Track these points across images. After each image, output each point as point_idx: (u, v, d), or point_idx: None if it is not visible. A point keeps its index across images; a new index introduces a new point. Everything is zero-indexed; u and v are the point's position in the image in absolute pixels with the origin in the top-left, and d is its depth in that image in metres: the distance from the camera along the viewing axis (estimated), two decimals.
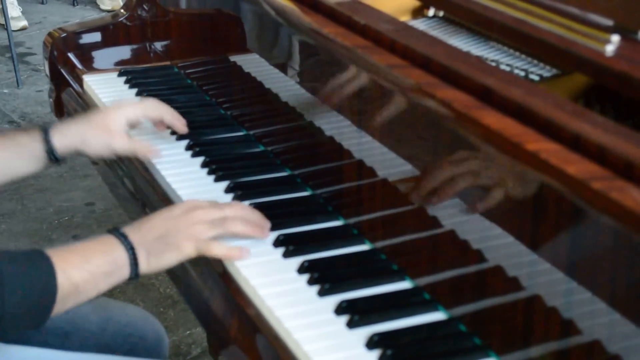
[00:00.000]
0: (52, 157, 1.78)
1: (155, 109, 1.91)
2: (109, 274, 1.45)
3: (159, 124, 1.92)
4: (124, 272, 1.47)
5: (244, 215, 1.59)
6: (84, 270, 1.41)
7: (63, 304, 1.39)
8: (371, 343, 1.32)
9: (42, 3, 6.75)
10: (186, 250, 1.51)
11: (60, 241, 3.62)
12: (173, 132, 2.04)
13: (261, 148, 1.96)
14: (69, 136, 1.80)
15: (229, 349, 1.48)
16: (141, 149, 1.83)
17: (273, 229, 1.61)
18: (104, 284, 1.45)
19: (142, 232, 1.50)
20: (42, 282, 1.37)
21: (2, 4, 5.83)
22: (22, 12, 6.21)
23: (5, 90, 5.11)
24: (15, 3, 6.19)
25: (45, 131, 1.77)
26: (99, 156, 1.88)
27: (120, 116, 1.83)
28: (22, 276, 1.36)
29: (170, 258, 1.51)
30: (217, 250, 1.52)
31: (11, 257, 1.39)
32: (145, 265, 1.49)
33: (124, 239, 1.47)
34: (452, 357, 1.31)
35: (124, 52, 2.50)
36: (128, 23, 2.51)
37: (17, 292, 1.34)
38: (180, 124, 1.90)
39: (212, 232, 1.53)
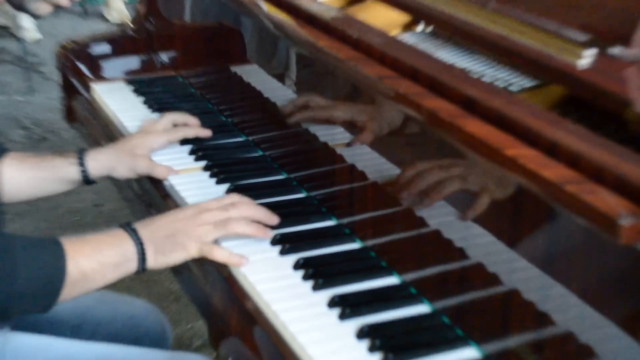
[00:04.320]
0: (86, 180, 1.81)
1: (177, 132, 1.95)
2: (117, 265, 1.45)
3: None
4: (132, 265, 1.47)
5: (248, 215, 1.58)
6: (94, 260, 1.42)
7: (71, 290, 1.39)
8: (361, 333, 1.33)
9: (54, 16, 6.73)
10: (191, 251, 1.51)
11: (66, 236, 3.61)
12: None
13: (259, 153, 1.97)
14: (101, 161, 1.83)
15: (229, 340, 1.48)
16: (161, 172, 1.84)
17: (270, 228, 1.62)
18: (112, 275, 1.45)
19: (151, 230, 1.50)
20: (52, 267, 1.37)
21: (15, 17, 5.83)
22: (35, 24, 6.20)
23: (20, 98, 5.09)
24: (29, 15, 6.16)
25: (80, 156, 1.80)
26: (125, 179, 1.89)
27: (146, 144, 1.88)
28: (34, 258, 1.37)
29: (176, 257, 1.51)
30: (218, 255, 1.52)
31: (26, 241, 1.40)
32: (153, 261, 1.49)
33: (134, 234, 1.48)
34: (435, 347, 1.31)
35: (131, 62, 2.49)
36: (136, 35, 2.51)
37: (28, 273, 1.34)
38: (204, 132, 1.94)
39: (215, 234, 1.53)
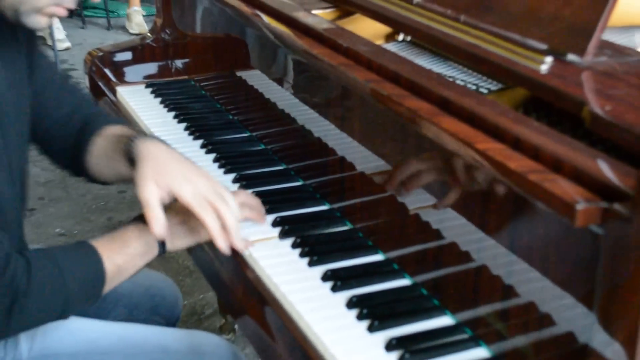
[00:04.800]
0: None
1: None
2: (143, 254, 1.45)
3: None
4: (155, 251, 1.47)
5: (245, 202, 1.57)
6: (124, 254, 1.42)
7: (110, 283, 1.40)
8: (351, 303, 1.33)
9: (82, 28, 6.71)
10: (202, 235, 1.50)
11: (97, 222, 3.62)
12: (190, 133, 2.04)
13: (262, 146, 1.96)
14: None
15: (235, 308, 1.48)
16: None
17: (271, 212, 1.61)
18: (140, 262, 1.45)
19: (166, 218, 1.46)
20: (93, 270, 1.37)
21: (49, 28, 5.81)
22: (66, 35, 6.18)
23: None
24: (61, 27, 6.16)
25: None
26: None
27: None
28: (77, 267, 1.36)
29: (190, 240, 1.51)
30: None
31: (66, 252, 1.38)
32: (170, 245, 1.49)
33: None
34: (415, 315, 1.31)
35: (150, 68, 2.49)
36: (154, 44, 2.50)
37: (75, 280, 1.34)
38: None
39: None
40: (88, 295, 1.38)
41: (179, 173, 1.42)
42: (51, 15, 1.37)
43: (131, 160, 1.45)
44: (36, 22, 1.36)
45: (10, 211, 1.44)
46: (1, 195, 1.39)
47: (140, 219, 1.47)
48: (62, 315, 1.36)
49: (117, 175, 1.59)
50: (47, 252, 1.37)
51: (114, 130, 1.61)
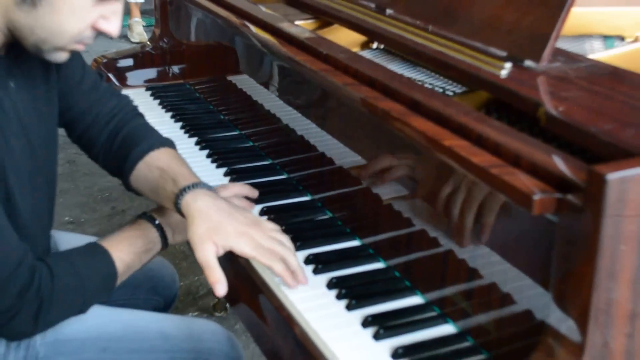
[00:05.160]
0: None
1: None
2: (148, 250, 1.44)
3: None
4: (158, 246, 1.46)
5: (238, 192, 1.57)
6: (132, 253, 1.41)
7: (121, 279, 1.40)
8: (331, 284, 1.32)
9: None
10: None
11: (102, 211, 3.60)
12: (186, 131, 2.03)
13: (250, 143, 1.95)
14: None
15: (229, 293, 1.48)
16: None
17: (258, 202, 1.60)
18: (146, 258, 1.45)
19: (167, 215, 1.48)
20: (106, 271, 1.37)
21: None
22: None
23: None
24: None
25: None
26: None
27: None
28: (93, 270, 1.36)
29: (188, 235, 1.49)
30: None
31: (81, 255, 1.38)
32: (172, 239, 1.48)
33: (154, 221, 1.46)
34: (388, 295, 1.30)
35: (149, 73, 2.47)
36: (153, 52, 2.49)
37: (92, 283, 1.35)
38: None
39: None
40: (102, 292, 1.39)
41: (232, 229, 1.32)
42: (71, 51, 1.32)
43: (179, 211, 1.39)
44: (58, 57, 1.31)
45: (35, 224, 1.42)
46: (23, 208, 1.36)
47: (144, 216, 1.48)
48: (81, 312, 1.37)
49: (157, 202, 1.52)
50: (66, 258, 1.37)
51: (158, 161, 1.50)
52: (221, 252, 1.30)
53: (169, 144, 1.56)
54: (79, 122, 1.60)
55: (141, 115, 1.67)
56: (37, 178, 1.41)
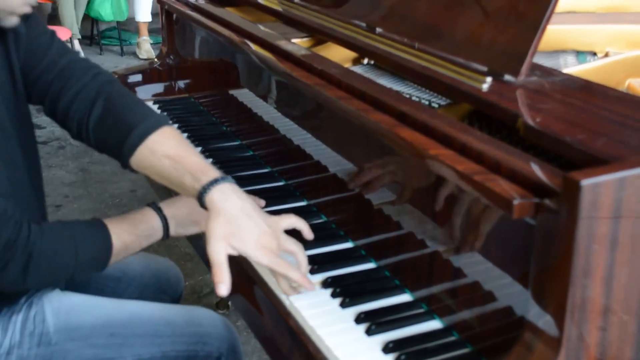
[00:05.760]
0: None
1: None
2: (148, 236, 1.45)
3: None
4: (159, 235, 1.47)
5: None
6: (132, 234, 1.41)
7: (117, 257, 1.40)
8: (326, 283, 1.33)
9: (100, 54, 6.67)
10: (202, 226, 1.48)
11: (113, 216, 3.59)
12: (191, 141, 2.01)
13: (250, 153, 1.95)
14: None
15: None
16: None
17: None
18: (145, 243, 1.45)
19: (174, 208, 1.48)
20: (102, 243, 1.37)
21: None
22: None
23: None
24: (82, 53, 6.12)
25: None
26: None
27: None
28: (88, 238, 1.36)
29: (192, 230, 1.51)
30: None
31: (82, 225, 1.39)
32: (174, 231, 1.49)
33: (160, 212, 1.47)
34: (379, 293, 1.30)
35: (157, 87, 2.47)
36: (160, 68, 2.49)
37: (85, 249, 1.34)
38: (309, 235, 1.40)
39: None
40: (95, 263, 1.38)
41: (253, 238, 1.22)
42: (21, 14, 1.35)
43: (202, 205, 1.27)
44: (10, 22, 1.34)
45: (17, 195, 1.37)
46: None
47: (152, 205, 1.48)
48: (71, 278, 1.37)
49: (165, 185, 1.39)
50: (64, 223, 1.38)
51: (163, 148, 1.36)
52: (235, 253, 1.22)
53: (165, 121, 1.42)
54: (51, 91, 1.49)
55: (118, 82, 1.53)
56: (11, 153, 1.39)
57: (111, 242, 1.38)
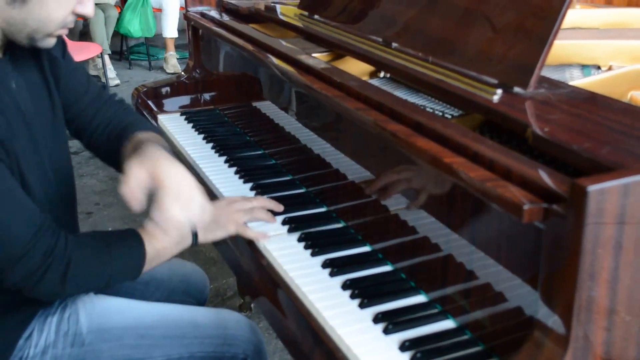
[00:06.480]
0: None
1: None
2: (179, 242, 1.44)
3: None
4: (188, 241, 1.47)
5: (264, 204, 1.60)
6: (163, 241, 1.40)
7: (150, 264, 1.39)
8: (345, 285, 1.33)
9: (129, 68, 6.71)
10: (230, 230, 1.52)
11: (140, 222, 3.60)
12: (216, 151, 2.04)
13: (273, 161, 1.96)
14: None
15: (253, 290, 1.48)
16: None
17: (281, 213, 1.61)
18: (175, 250, 1.45)
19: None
20: (136, 251, 1.37)
21: (103, 68, 5.81)
22: (116, 74, 6.19)
23: None
24: (112, 68, 6.16)
25: None
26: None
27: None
28: (123, 247, 1.36)
29: (219, 234, 1.52)
30: (249, 233, 1.52)
31: (116, 234, 1.39)
32: (202, 237, 1.49)
33: None
34: (395, 294, 1.31)
35: (184, 100, 2.49)
36: (186, 81, 2.51)
37: (120, 257, 1.34)
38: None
39: (245, 218, 1.55)
40: (129, 271, 1.38)
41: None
42: (58, 36, 1.37)
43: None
44: (48, 43, 1.35)
45: (52, 209, 1.40)
46: (38, 195, 1.37)
47: None
48: (107, 286, 1.36)
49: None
50: (100, 233, 1.39)
51: (140, 135, 1.51)
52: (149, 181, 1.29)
53: (153, 129, 1.60)
54: (86, 130, 1.63)
55: (131, 111, 1.71)
56: (44, 171, 1.41)
57: (144, 250, 1.37)
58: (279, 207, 1.62)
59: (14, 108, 1.33)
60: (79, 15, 1.34)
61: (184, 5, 2.70)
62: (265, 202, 1.62)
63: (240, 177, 1.85)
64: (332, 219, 1.60)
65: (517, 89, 1.29)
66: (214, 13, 2.44)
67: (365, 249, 1.47)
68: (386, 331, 1.21)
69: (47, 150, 1.43)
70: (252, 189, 1.78)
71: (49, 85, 1.48)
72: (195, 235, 1.48)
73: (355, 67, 1.75)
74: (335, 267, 1.38)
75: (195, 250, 3.28)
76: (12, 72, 1.35)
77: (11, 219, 1.24)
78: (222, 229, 1.52)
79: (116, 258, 1.34)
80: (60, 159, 1.51)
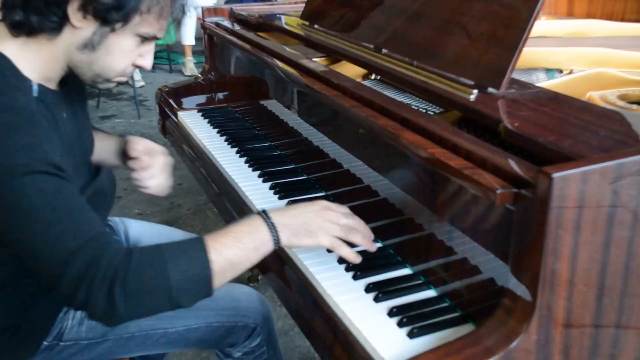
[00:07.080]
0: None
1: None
2: (256, 248, 1.16)
3: None
4: (269, 246, 1.18)
5: (362, 229, 1.29)
6: (236, 248, 1.14)
7: (222, 276, 1.12)
8: (340, 261, 1.33)
9: (152, 71, 6.69)
10: (322, 241, 1.23)
11: (163, 205, 3.59)
12: (228, 143, 2.04)
13: (277, 152, 1.95)
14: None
15: (261, 265, 1.48)
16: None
17: (285, 197, 1.60)
18: (254, 256, 1.17)
19: (287, 217, 1.21)
20: (197, 260, 1.09)
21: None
22: (141, 76, 6.18)
23: (132, 120, 5.07)
24: (138, 71, 6.15)
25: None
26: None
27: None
28: (180, 256, 1.09)
29: (308, 242, 1.22)
30: (345, 251, 1.25)
31: (171, 246, 1.11)
32: (286, 241, 1.20)
33: (268, 220, 1.19)
34: (385, 267, 1.31)
35: (200, 99, 2.48)
36: (203, 82, 2.50)
37: (177, 268, 1.07)
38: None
39: (340, 234, 1.24)
40: (195, 283, 1.09)
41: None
42: (117, 82, 1.30)
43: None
44: (107, 86, 1.30)
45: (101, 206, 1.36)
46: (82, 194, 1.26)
47: (260, 213, 1.21)
48: (171, 304, 1.08)
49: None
50: (155, 246, 1.11)
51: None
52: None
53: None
54: None
55: None
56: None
57: (208, 259, 1.10)
58: (373, 247, 1.30)
59: (64, 136, 1.28)
60: (137, 67, 1.28)
61: (200, 16, 2.69)
62: (364, 229, 1.30)
63: (249, 166, 1.85)
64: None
65: (490, 90, 1.29)
66: (227, 23, 2.43)
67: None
68: (377, 299, 1.21)
69: (82, 175, 1.36)
70: (259, 176, 1.78)
71: (87, 117, 1.46)
72: (277, 240, 1.19)
73: (350, 70, 1.74)
74: (358, 271, 1.32)
75: (206, 231, 3.27)
76: (64, 104, 1.32)
77: (63, 225, 1.06)
78: (312, 238, 1.22)
79: (172, 269, 1.07)
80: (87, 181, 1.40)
